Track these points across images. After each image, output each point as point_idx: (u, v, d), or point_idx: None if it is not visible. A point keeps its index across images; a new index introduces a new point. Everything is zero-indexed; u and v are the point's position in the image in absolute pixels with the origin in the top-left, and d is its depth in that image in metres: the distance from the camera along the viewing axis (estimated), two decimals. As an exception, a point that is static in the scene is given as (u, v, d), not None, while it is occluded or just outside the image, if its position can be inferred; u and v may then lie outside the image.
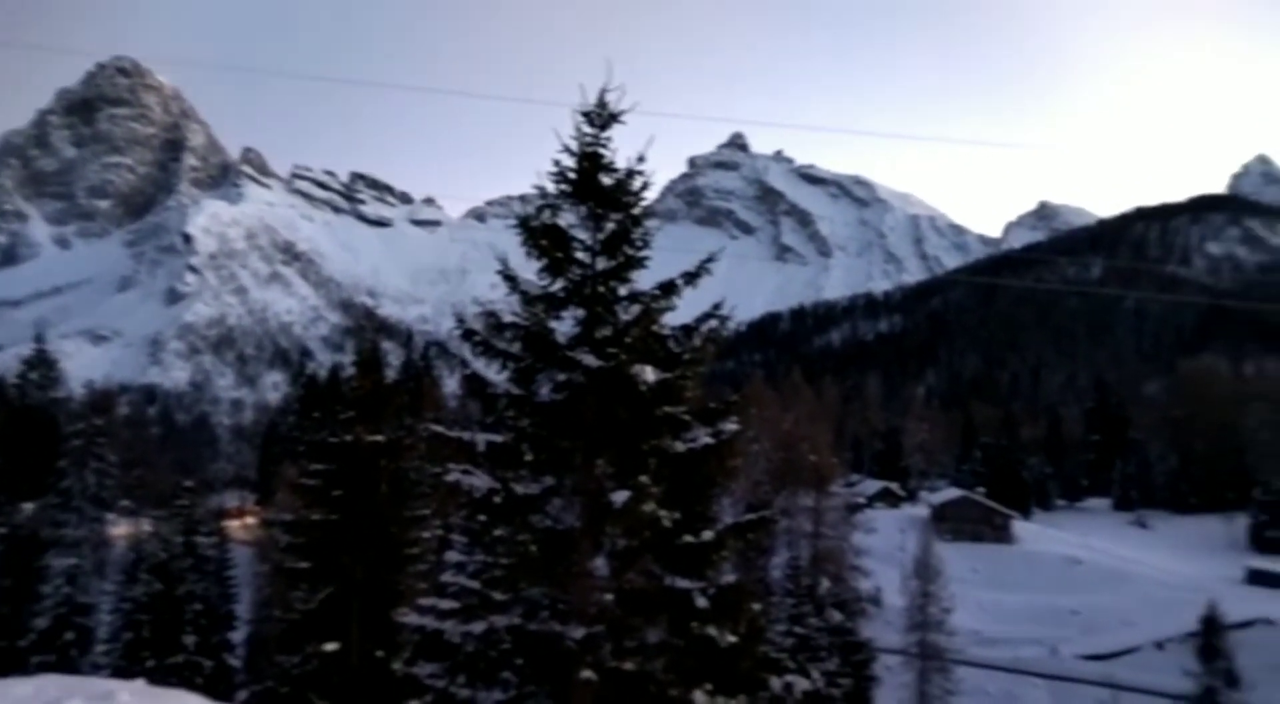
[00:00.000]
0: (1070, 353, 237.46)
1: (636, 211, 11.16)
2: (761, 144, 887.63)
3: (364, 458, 21.30)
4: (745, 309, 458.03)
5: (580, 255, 11.05)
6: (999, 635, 63.20)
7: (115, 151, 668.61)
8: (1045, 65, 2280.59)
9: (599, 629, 10.48)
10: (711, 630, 10.32)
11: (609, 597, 10.83)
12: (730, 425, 10.89)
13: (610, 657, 10.72)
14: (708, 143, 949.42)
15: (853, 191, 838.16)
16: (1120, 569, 78.29)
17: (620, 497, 9.88)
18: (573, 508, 11.01)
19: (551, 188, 11.03)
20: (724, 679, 10.61)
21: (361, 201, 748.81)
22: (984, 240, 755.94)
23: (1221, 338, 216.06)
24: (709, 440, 10.58)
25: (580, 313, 11.04)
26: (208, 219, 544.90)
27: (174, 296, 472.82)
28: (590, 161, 10.85)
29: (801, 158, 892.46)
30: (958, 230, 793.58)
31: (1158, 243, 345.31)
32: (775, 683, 10.69)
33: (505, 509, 10.53)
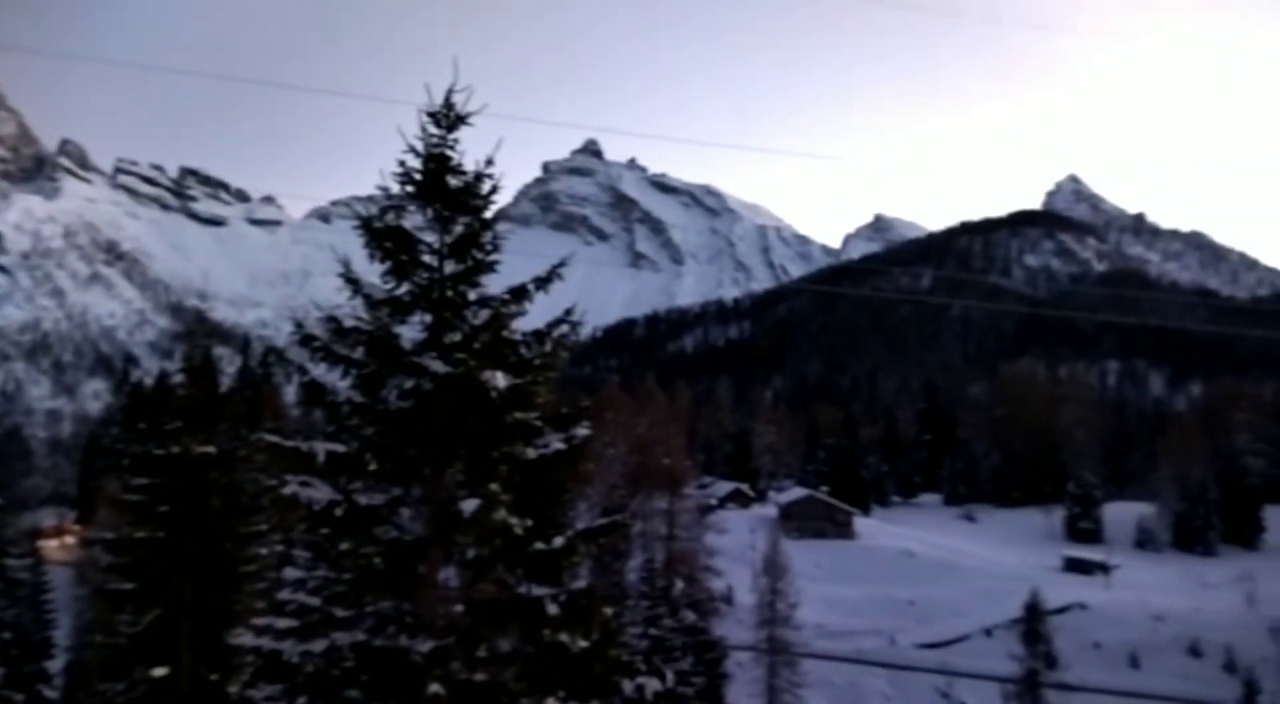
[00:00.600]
0: (904, 357, 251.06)
1: (486, 215, 10.97)
2: (615, 151, 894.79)
3: (194, 471, 20.10)
4: (600, 315, 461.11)
5: (427, 258, 10.75)
6: (842, 628, 65.89)
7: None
8: (880, 82, 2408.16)
9: (448, 641, 10.22)
10: (564, 637, 10.24)
11: (459, 607, 10.59)
12: (582, 431, 10.86)
13: (460, 669, 10.48)
14: (562, 149, 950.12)
15: (704, 201, 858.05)
16: (951, 561, 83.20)
17: (470, 505, 9.67)
18: (420, 518, 10.70)
19: (396, 189, 10.70)
20: (576, 685, 10.56)
21: (193, 199, 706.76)
22: (826, 250, 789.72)
23: (1038, 343, 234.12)
24: (561, 446, 10.51)
25: (428, 318, 10.75)
26: (20, 215, 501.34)
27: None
28: (437, 163, 10.59)
29: (654, 167, 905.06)
30: (802, 240, 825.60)
31: (981, 255, 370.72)
32: (627, 686, 10.72)
33: (348, 521, 10.12)
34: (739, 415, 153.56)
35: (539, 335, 10.81)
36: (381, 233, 10.61)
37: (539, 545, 10.31)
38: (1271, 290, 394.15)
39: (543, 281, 10.72)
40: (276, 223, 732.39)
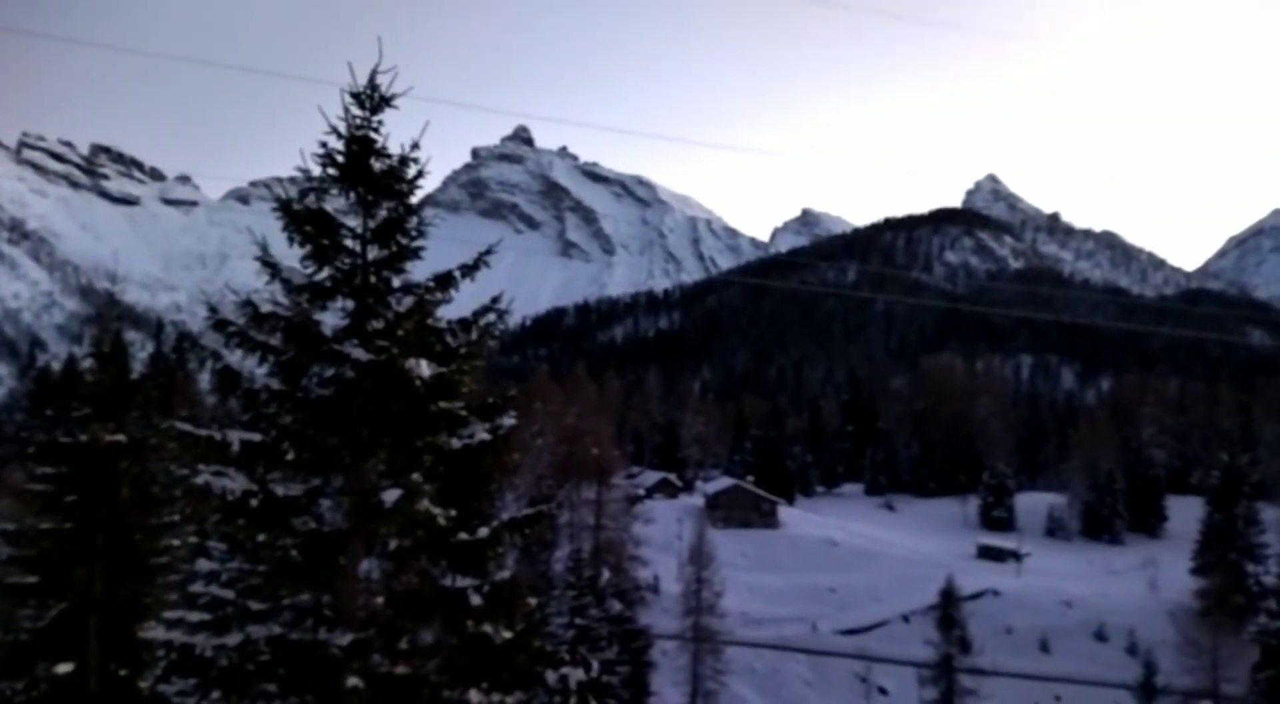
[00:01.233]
0: (829, 350, 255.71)
1: (412, 200, 10.73)
2: (547, 139, 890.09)
3: (103, 460, 19.29)
4: (530, 304, 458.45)
5: (349, 243, 10.47)
6: (765, 615, 66.94)
7: None
8: (809, 78, 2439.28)
9: (368, 634, 10.04)
10: (487, 628, 10.15)
11: (380, 599, 10.40)
12: (509, 420, 10.74)
13: (381, 661, 10.31)
14: (492, 135, 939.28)
15: (635, 192, 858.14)
16: (872, 549, 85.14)
17: (391, 495, 9.48)
18: (341, 509, 10.47)
19: (318, 171, 10.38)
20: (499, 676, 10.48)
21: (105, 177, 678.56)
22: (755, 243, 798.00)
23: (957, 338, 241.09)
24: (486, 436, 10.37)
25: (349, 304, 10.48)
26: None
27: None
28: (360, 145, 10.30)
29: (586, 155, 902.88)
30: (732, 233, 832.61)
31: (904, 251, 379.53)
32: (551, 676, 10.69)
33: (264, 512, 9.83)
34: (668, 406, 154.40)
35: (465, 323, 10.62)
36: (301, 216, 10.29)
37: (463, 536, 10.17)
38: (1177, 289, 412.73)
39: (469, 269, 10.53)
40: (192, 203, 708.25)
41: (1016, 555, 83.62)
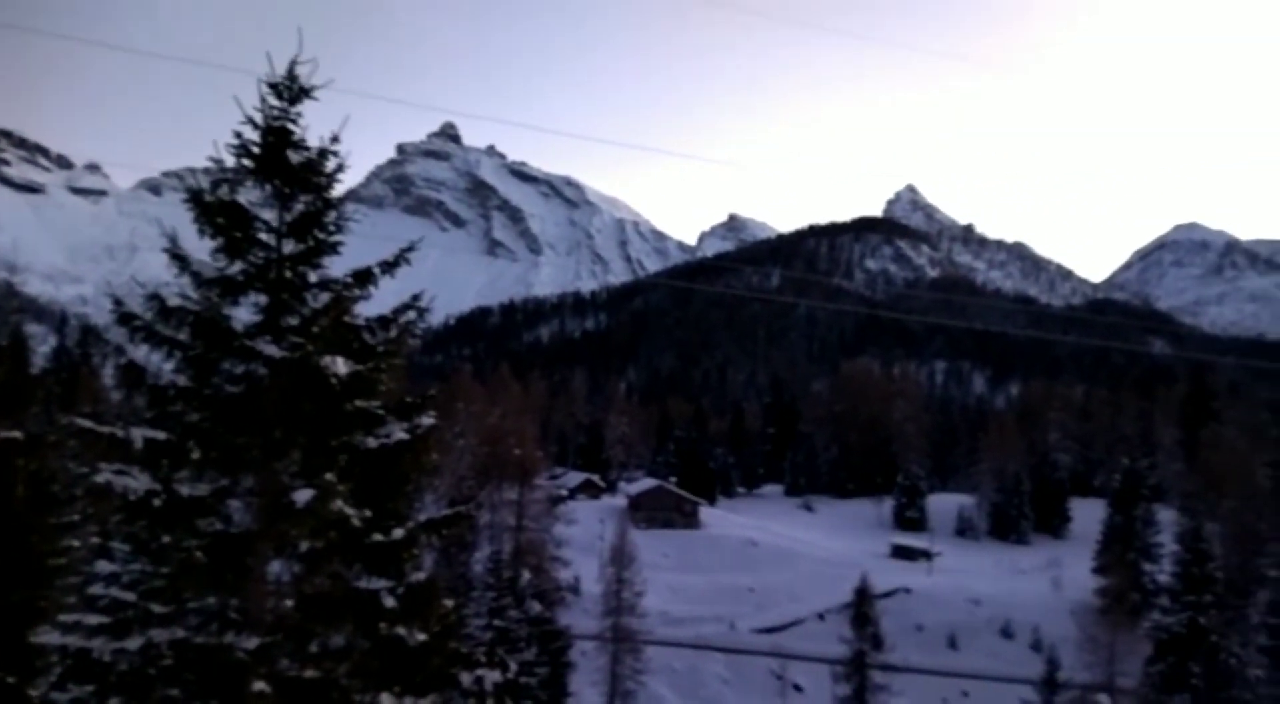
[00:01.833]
0: (753, 353, 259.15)
1: (330, 194, 10.52)
2: (474, 137, 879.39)
3: (-3, 458, 18.42)
4: (455, 302, 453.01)
5: (264, 237, 10.20)
6: (685, 615, 67.41)
7: None
8: (738, 85, 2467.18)
9: (276, 637, 9.81)
10: (401, 630, 10.02)
11: (289, 602, 10.17)
12: (428, 420, 10.61)
13: (289, 666, 10.08)
14: (418, 131, 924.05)
15: (563, 192, 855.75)
16: (790, 549, 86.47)
17: (303, 496, 9.28)
18: (250, 510, 10.21)
19: (232, 162, 10.10)
20: (413, 679, 10.36)
21: (6, 162, 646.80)
22: (682, 247, 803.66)
23: (875, 343, 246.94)
24: (404, 436, 10.23)
25: (263, 299, 10.23)
26: None
27: None
28: (277, 136, 10.05)
29: (514, 154, 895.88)
30: (659, 236, 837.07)
31: (827, 257, 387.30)
32: (466, 678, 10.58)
33: (168, 513, 9.52)
34: (593, 407, 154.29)
35: (384, 321, 10.45)
36: (214, 207, 10.00)
37: (378, 537, 10.02)
38: (1084, 300, 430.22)
39: (389, 265, 10.38)
40: (101, 193, 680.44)
41: (928, 555, 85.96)
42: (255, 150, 10.11)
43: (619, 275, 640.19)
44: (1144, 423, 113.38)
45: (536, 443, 73.30)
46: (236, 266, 10.17)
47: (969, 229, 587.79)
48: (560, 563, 59.85)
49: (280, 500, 9.58)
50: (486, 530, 58.56)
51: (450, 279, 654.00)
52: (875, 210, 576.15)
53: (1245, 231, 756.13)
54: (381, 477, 10.32)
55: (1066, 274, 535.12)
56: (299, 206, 10.32)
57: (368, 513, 10.10)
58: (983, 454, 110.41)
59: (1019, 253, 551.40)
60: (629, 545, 52.24)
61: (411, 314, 10.56)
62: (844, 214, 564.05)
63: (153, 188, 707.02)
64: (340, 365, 9.64)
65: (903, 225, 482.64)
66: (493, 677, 10.63)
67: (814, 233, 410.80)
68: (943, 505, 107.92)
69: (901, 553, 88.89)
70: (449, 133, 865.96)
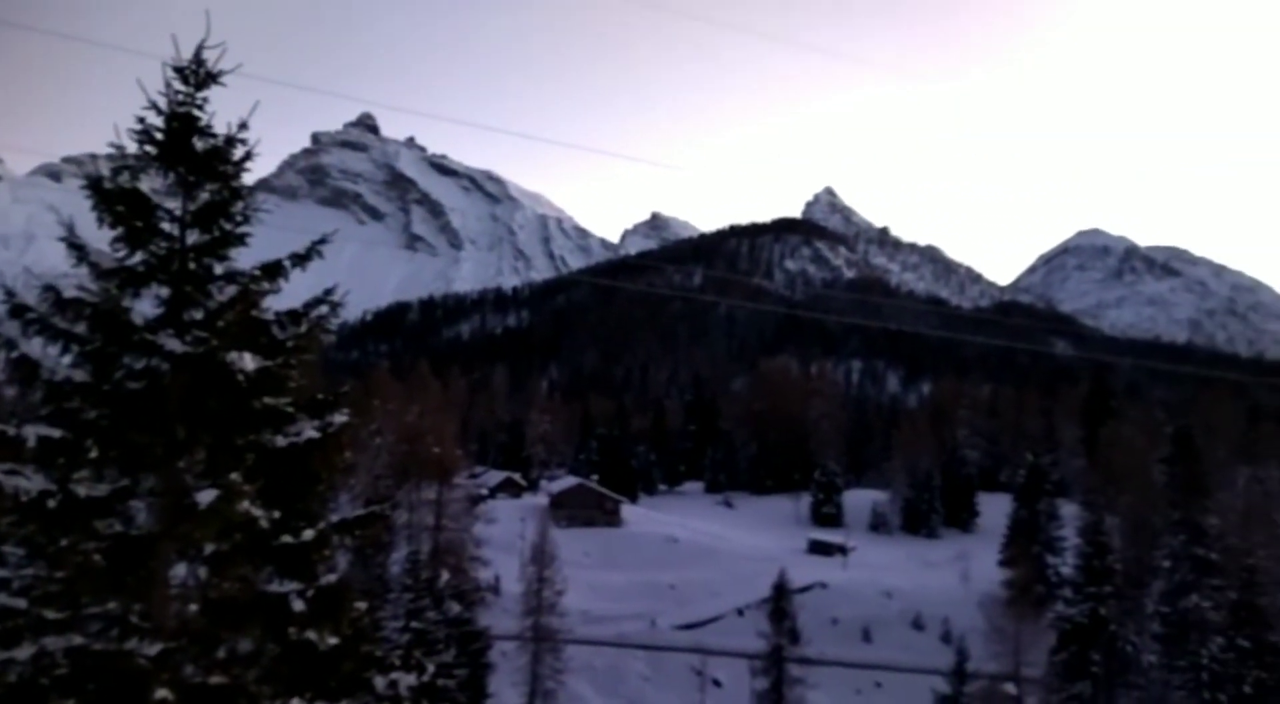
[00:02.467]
0: (674, 351, 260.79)
1: (237, 183, 10.14)
2: (393, 128, 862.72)
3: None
4: (372, 297, 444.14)
5: (166, 227, 9.76)
6: (606, 613, 67.50)
7: None
8: (661, 84, 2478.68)
9: (179, 643, 9.43)
10: (311, 634, 9.73)
11: (194, 607, 9.79)
12: (340, 418, 10.31)
13: (194, 672, 9.71)
14: (334, 120, 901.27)
15: (485, 187, 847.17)
16: (710, 546, 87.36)
17: (207, 497, 8.92)
18: (152, 511, 9.79)
19: (134, 148, 9.65)
20: (324, 683, 10.08)
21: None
22: (605, 244, 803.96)
23: (794, 342, 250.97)
24: (315, 434, 9.91)
25: (165, 292, 9.80)
26: None
27: None
28: (182, 123, 9.63)
29: (434, 147, 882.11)
30: (582, 233, 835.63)
31: (747, 257, 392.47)
32: (380, 682, 10.34)
33: (64, 514, 9.06)
34: (514, 404, 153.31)
35: (294, 315, 10.11)
36: (114, 195, 9.54)
37: (287, 539, 9.71)
38: (991, 302, 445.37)
39: (300, 258, 10.04)
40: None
41: (843, 549, 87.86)
42: (159, 136, 9.68)
43: (541, 272, 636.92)
44: (1047, 421, 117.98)
45: (456, 441, 72.39)
46: (137, 257, 9.72)
47: (884, 232, 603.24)
48: (480, 563, 59.19)
49: (183, 501, 9.21)
50: (404, 531, 57.57)
51: (367, 273, 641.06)
52: (795, 212, 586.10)
53: (1144, 238, 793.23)
54: (291, 476, 10.00)
55: (976, 277, 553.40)
56: (204, 196, 9.92)
57: (276, 514, 9.78)
58: (896, 451, 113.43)
59: (931, 256, 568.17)
60: (550, 544, 52.02)
61: (324, 309, 10.25)
62: (764, 215, 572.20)
63: (52, 174, 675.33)
64: (247, 361, 9.31)
65: (821, 227, 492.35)
66: (408, 680, 10.42)
67: (735, 233, 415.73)
68: (858, 501, 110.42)
69: (818, 548, 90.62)
70: (367, 123, 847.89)
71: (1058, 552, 68.73)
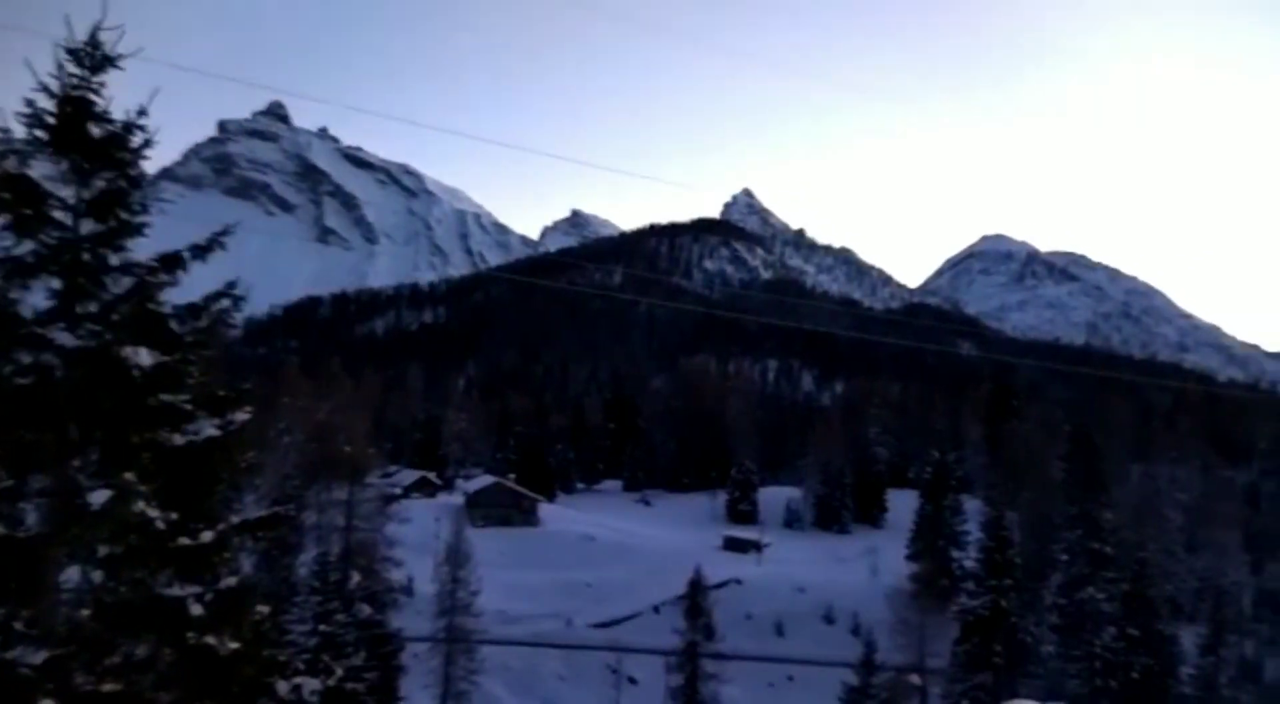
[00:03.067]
0: (595, 349, 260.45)
1: (135, 171, 9.74)
2: (305, 118, 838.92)
3: None
4: (282, 291, 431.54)
5: (59, 215, 9.33)
6: (522, 613, 67.13)
7: None
8: (582, 80, 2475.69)
9: (69, 650, 9.03)
10: (210, 639, 9.43)
11: (85, 612, 9.39)
12: (242, 416, 10.01)
13: (85, 680, 9.31)
14: (243, 109, 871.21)
15: (401, 180, 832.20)
16: (628, 544, 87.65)
17: (99, 497, 8.57)
18: (41, 512, 9.35)
19: (22, 132, 9.20)
20: (224, 689, 9.78)
21: None
22: (525, 241, 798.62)
23: (712, 341, 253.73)
24: (215, 432, 9.61)
25: (56, 283, 9.37)
26: None
27: None
28: (76, 107, 9.21)
29: (348, 138, 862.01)
30: (501, 229, 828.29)
31: (667, 257, 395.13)
32: (283, 687, 10.10)
33: (-59, 517, 8.60)
34: (430, 402, 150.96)
35: (194, 309, 9.77)
36: (2, 181, 9.08)
37: (185, 541, 9.39)
38: (901, 304, 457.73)
39: (201, 250, 9.70)
40: None
41: (758, 546, 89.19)
42: (50, 121, 9.24)
43: (459, 268, 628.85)
44: (953, 419, 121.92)
45: (369, 440, 71.01)
46: (27, 247, 9.26)
47: (800, 233, 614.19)
48: (392, 564, 58.13)
49: (75, 502, 8.83)
50: (313, 532, 56.23)
51: (277, 267, 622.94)
52: (713, 212, 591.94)
53: (1045, 243, 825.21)
54: (189, 476, 9.67)
55: (887, 279, 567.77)
56: (100, 184, 9.51)
57: (174, 515, 9.45)
58: (810, 448, 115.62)
59: (845, 258, 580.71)
60: (464, 544, 51.50)
61: (225, 302, 9.93)
62: (684, 215, 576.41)
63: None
64: (143, 356, 8.96)
65: (739, 228, 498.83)
66: (312, 684, 10.26)
67: (655, 232, 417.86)
68: (773, 498, 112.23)
69: (733, 545, 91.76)
70: (277, 112, 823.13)
71: (962, 546, 71.02)
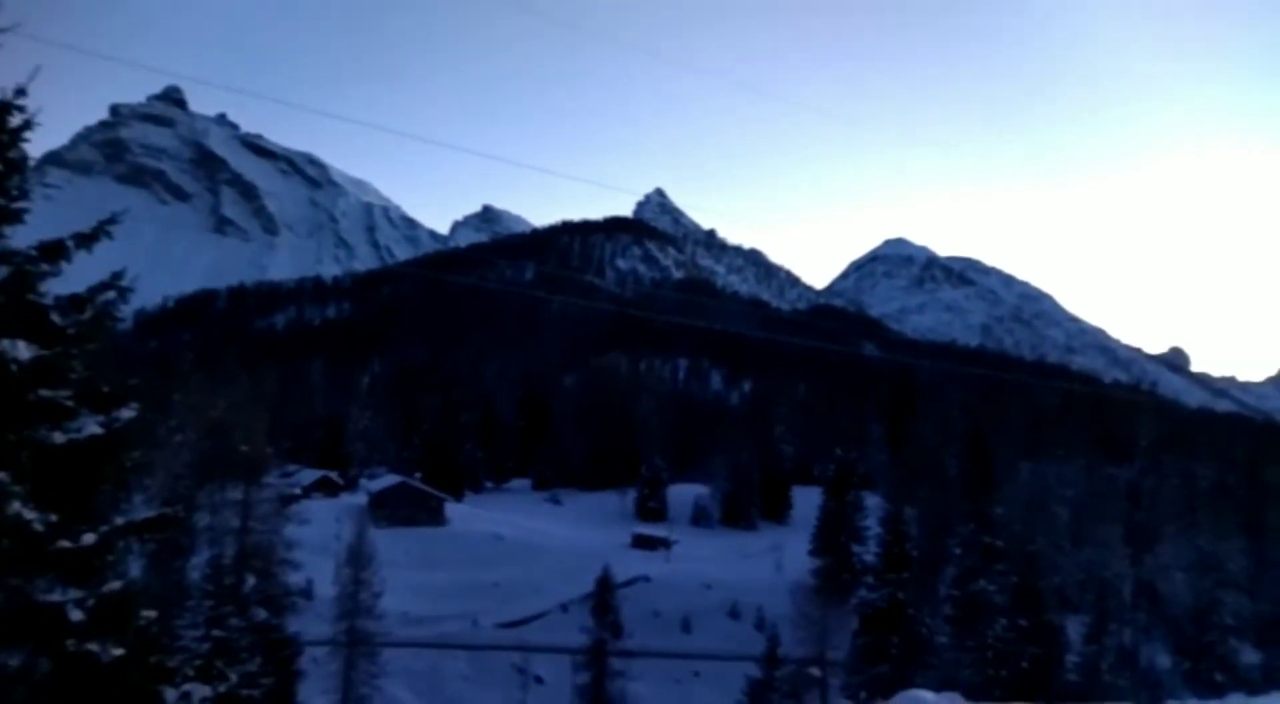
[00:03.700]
0: (505, 346, 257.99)
1: (16, 154, 9.22)
2: (202, 104, 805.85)
3: None
4: (176, 283, 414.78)
5: (-72, 199, 8.79)
6: (426, 614, 66.04)
7: None
8: (495, 73, 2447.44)
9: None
10: (92, 646, 8.98)
11: (-47, 621, 8.84)
12: (128, 413, 9.57)
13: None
14: (136, 92, 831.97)
15: (305, 170, 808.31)
16: (536, 542, 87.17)
17: (-29, 498, 8.09)
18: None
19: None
20: (107, 698, 9.34)
21: None
22: (434, 236, 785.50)
23: (624, 340, 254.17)
24: (99, 430, 9.16)
25: (-76, 271, 8.80)
26: None
27: None
28: (-56, 83, 8.70)
29: (248, 126, 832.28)
30: (410, 223, 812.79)
31: (580, 254, 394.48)
32: (171, 695, 9.70)
33: None
34: (334, 400, 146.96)
35: (77, 301, 9.30)
36: None
37: (65, 544, 8.92)
38: (808, 305, 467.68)
39: (86, 238, 9.24)
40: None
41: (666, 543, 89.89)
42: (-83, 98, 8.67)
43: (365, 262, 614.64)
44: (856, 418, 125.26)
45: (266, 438, 68.63)
46: (-109, 233, 8.68)
47: (711, 234, 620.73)
48: (291, 566, 56.31)
49: (-59, 504, 8.30)
50: (207, 533, 54.03)
51: (170, 257, 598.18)
52: (626, 211, 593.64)
53: (943, 248, 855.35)
54: (71, 476, 9.19)
55: (794, 280, 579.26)
56: (-28, 167, 8.97)
57: (54, 517, 8.97)
58: (718, 447, 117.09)
59: (754, 259, 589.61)
60: (367, 544, 50.35)
61: (111, 294, 9.48)
62: (597, 212, 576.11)
63: None
64: (21, 350, 8.49)
65: (652, 227, 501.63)
66: (203, 691, 9.83)
67: (568, 229, 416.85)
68: (682, 495, 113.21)
69: (642, 542, 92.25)
70: (173, 97, 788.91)
71: (863, 541, 72.89)
